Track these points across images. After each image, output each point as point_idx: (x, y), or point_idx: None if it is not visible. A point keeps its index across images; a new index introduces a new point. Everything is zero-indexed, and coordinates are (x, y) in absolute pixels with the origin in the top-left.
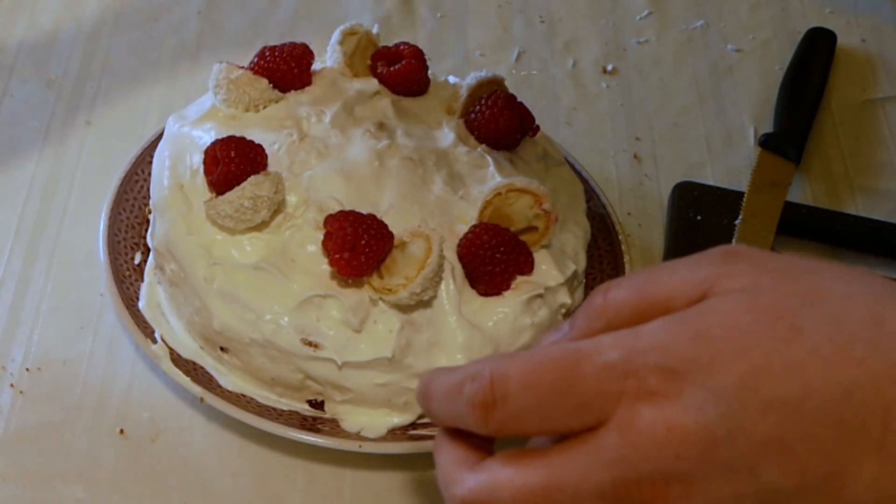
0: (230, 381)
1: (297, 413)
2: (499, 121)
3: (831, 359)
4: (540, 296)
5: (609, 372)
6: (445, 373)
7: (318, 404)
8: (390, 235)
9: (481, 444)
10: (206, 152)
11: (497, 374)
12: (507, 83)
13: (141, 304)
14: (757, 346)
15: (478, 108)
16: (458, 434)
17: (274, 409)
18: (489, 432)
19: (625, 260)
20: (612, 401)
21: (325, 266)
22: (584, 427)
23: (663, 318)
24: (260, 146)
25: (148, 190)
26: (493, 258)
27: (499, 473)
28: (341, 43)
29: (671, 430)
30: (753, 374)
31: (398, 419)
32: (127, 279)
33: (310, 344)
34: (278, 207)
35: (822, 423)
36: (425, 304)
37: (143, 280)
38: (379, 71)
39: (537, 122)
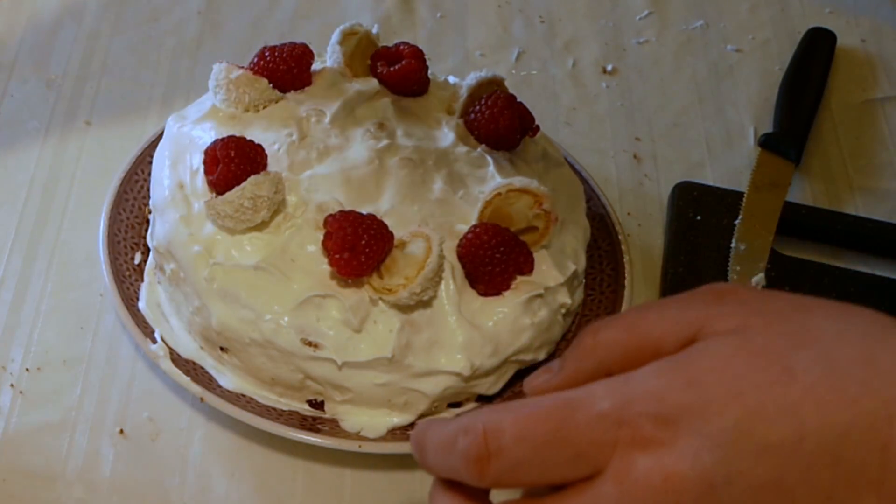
0: (230, 380)
1: (297, 413)
2: (499, 121)
3: (825, 399)
4: (540, 296)
5: (603, 421)
6: (439, 425)
7: (318, 404)
8: (390, 235)
9: (477, 495)
10: (206, 152)
11: (490, 427)
12: (507, 83)
13: (141, 304)
14: (750, 390)
15: (478, 108)
16: (454, 485)
17: (274, 409)
18: (485, 485)
19: (624, 260)
20: (606, 450)
21: (325, 266)
22: (579, 477)
23: (655, 364)
24: (260, 146)
25: (148, 190)
26: (493, 258)
27: None
28: (341, 43)
29: (668, 478)
30: (748, 417)
31: (398, 419)
32: (127, 279)
33: (310, 344)
34: (278, 207)
35: (820, 465)
36: (425, 304)
37: (143, 280)
38: (379, 71)
39: (537, 122)
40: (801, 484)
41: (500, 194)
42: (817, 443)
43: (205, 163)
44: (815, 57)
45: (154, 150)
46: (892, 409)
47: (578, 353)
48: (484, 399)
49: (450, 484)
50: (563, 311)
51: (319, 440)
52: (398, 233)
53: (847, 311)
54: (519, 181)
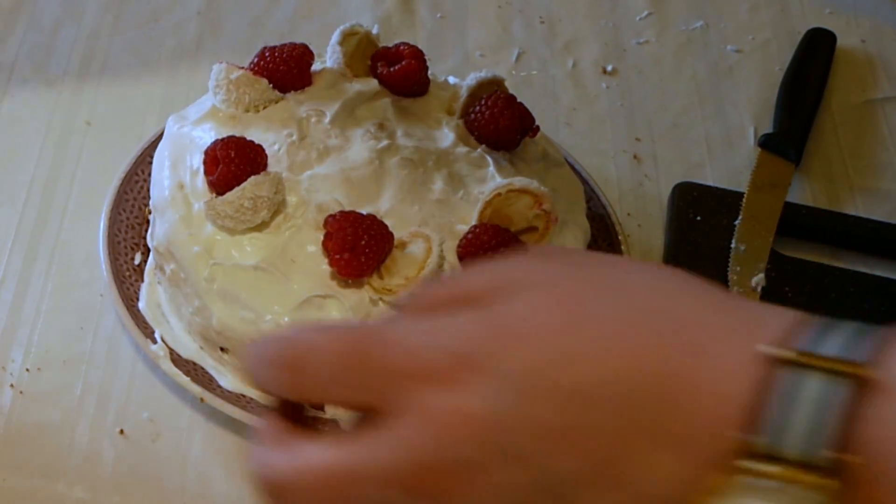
0: (230, 381)
1: None
2: (499, 121)
3: (622, 347)
4: None
5: (406, 356)
6: (269, 338)
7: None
8: (390, 236)
9: (300, 425)
10: (206, 152)
11: (303, 338)
12: (507, 83)
13: (141, 304)
14: (548, 335)
15: (478, 108)
16: (280, 410)
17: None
18: (294, 396)
19: None
20: (404, 382)
21: (325, 266)
22: (381, 404)
23: (463, 311)
24: (260, 146)
25: (148, 190)
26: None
27: (304, 452)
28: (341, 43)
29: (460, 415)
30: (543, 361)
31: None
32: (127, 279)
33: None
34: (278, 208)
35: (613, 413)
36: None
37: (143, 280)
38: (379, 71)
39: (537, 123)
40: (587, 430)
41: (500, 195)
42: (612, 390)
43: (205, 163)
44: (815, 57)
45: (154, 150)
46: (687, 360)
47: (407, 302)
48: None
49: (276, 409)
50: None
51: None
52: (398, 233)
53: (650, 266)
54: (519, 181)
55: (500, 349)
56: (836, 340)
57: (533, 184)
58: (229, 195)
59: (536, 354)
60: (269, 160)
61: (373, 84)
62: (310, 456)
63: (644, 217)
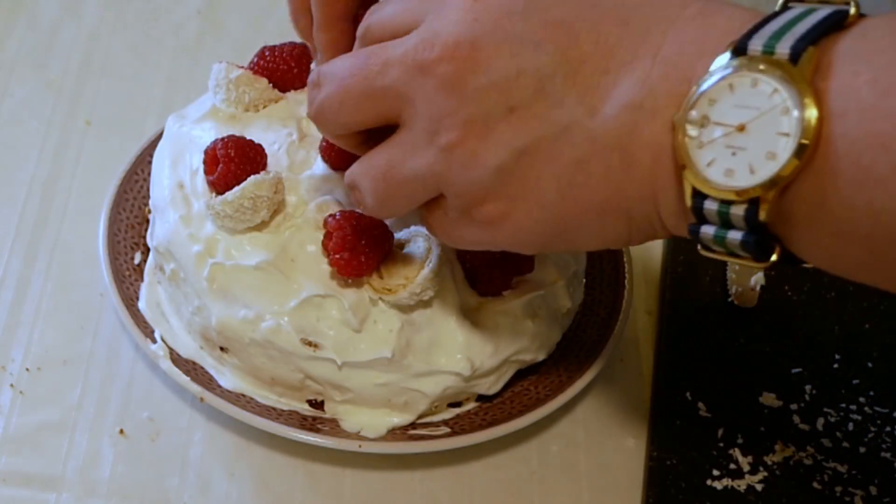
0: (230, 380)
1: (296, 413)
2: None
3: None
4: (540, 296)
5: None
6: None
7: (317, 404)
8: (390, 235)
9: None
10: (206, 152)
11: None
12: None
13: (141, 304)
14: None
15: None
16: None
17: (274, 408)
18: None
19: (624, 259)
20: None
21: (325, 266)
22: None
23: None
24: (260, 146)
25: (148, 190)
26: (493, 258)
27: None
28: None
29: (478, 1)
30: None
31: (398, 419)
32: (127, 279)
33: (310, 344)
34: (278, 207)
35: (611, 21)
36: (425, 304)
37: (143, 280)
38: None
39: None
40: (589, 31)
41: None
42: (614, 2)
43: (205, 163)
44: None
45: (154, 150)
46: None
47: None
48: (484, 399)
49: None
50: (563, 311)
51: (319, 440)
52: (398, 233)
53: None
54: None
55: None
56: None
57: None
58: (229, 195)
59: None
60: (269, 160)
61: None
62: (351, 52)
63: None
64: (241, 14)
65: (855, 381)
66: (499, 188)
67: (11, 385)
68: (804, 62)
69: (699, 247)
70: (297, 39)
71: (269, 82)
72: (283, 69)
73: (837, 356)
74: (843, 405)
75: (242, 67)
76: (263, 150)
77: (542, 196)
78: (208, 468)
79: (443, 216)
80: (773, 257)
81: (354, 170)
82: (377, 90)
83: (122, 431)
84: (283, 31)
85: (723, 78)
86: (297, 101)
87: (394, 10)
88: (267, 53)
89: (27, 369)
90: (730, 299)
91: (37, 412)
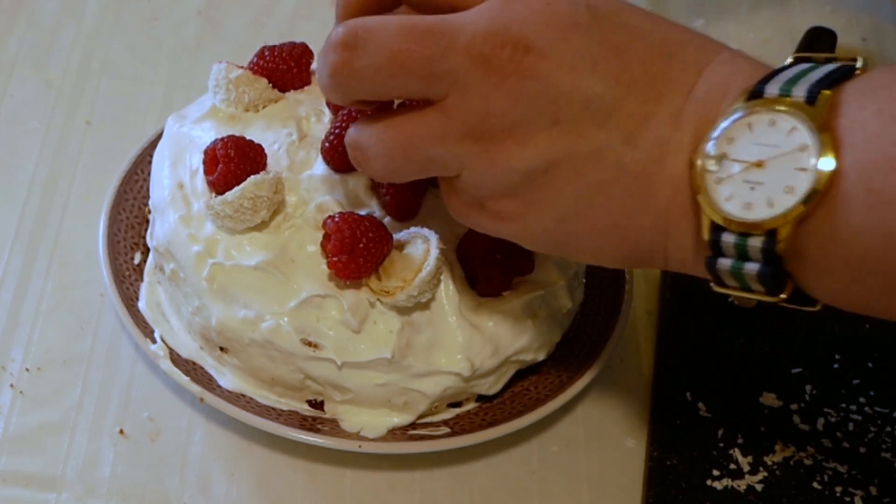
0: (230, 380)
1: (296, 413)
2: None
3: (665, 27)
4: (540, 296)
5: None
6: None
7: (318, 404)
8: (389, 237)
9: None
10: (206, 152)
11: (360, 25)
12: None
13: (141, 304)
14: None
15: None
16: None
17: (274, 409)
18: (343, 80)
19: None
20: None
21: (324, 266)
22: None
23: None
24: (260, 146)
25: (148, 190)
26: (492, 259)
27: (388, 17)
28: None
29: (549, 4)
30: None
31: (398, 419)
32: (127, 279)
33: (309, 344)
34: (278, 207)
35: (659, 53)
36: (425, 304)
37: (143, 280)
38: None
39: None
40: (639, 62)
41: None
42: (663, 38)
43: (204, 163)
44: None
45: (154, 150)
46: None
47: None
48: (484, 399)
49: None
50: (564, 311)
51: (319, 440)
52: (397, 234)
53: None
54: None
55: None
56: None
57: None
58: (229, 195)
59: None
60: (269, 160)
61: None
62: (395, 17)
63: None
64: (241, 14)
65: (855, 381)
66: (519, 190)
67: (11, 385)
68: (820, 103)
69: (712, 282)
70: (297, 39)
71: (269, 82)
72: (282, 69)
73: (837, 356)
74: (843, 405)
75: (242, 67)
76: (263, 150)
77: (558, 208)
78: (208, 468)
79: (452, 192)
80: (784, 294)
81: (364, 131)
82: (435, 72)
83: (122, 431)
84: (283, 31)
85: (741, 117)
86: (297, 101)
87: None
88: (267, 53)
89: (27, 369)
90: (730, 299)
91: (37, 412)
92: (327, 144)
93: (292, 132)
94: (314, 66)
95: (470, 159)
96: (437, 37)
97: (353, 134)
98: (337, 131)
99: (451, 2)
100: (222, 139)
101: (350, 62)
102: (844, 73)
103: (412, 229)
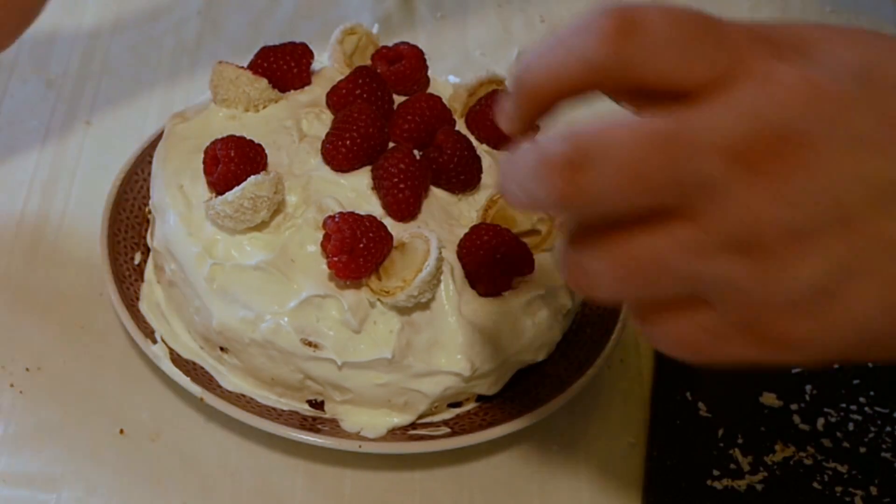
0: (230, 381)
1: (297, 413)
2: None
3: None
4: (540, 296)
5: (748, 33)
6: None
7: (318, 404)
8: (389, 237)
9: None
10: (206, 152)
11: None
12: (507, 83)
13: (141, 304)
14: (870, 45)
15: (478, 107)
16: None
17: (274, 409)
18: (567, 197)
19: None
20: (745, 56)
21: (324, 266)
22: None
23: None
24: (260, 146)
25: (148, 190)
26: (493, 259)
27: (612, 124)
28: (341, 42)
29: (808, 83)
30: (876, 60)
31: (398, 419)
32: (127, 279)
33: (310, 344)
34: (278, 207)
35: None
36: (425, 304)
37: (143, 280)
38: (379, 71)
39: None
40: None
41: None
42: None
43: (204, 163)
44: None
45: (154, 150)
46: None
47: None
48: (484, 399)
49: None
50: (564, 311)
51: (319, 440)
52: (397, 234)
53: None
54: None
55: (832, 41)
56: None
57: None
58: (229, 195)
59: (868, 53)
60: (269, 160)
61: None
62: (623, 123)
63: None
64: (241, 14)
65: (855, 381)
66: (806, 306)
67: (11, 385)
68: None
69: None
70: (297, 40)
71: (269, 82)
72: (283, 69)
73: None
74: (844, 405)
75: (242, 67)
76: (263, 150)
77: (860, 316)
78: (208, 468)
79: (692, 325)
80: None
81: (587, 254)
82: (682, 181)
83: (122, 431)
84: (283, 31)
85: None
86: (298, 101)
87: (676, 54)
88: (267, 53)
89: (27, 369)
90: None
91: (37, 412)
92: (328, 144)
93: (292, 132)
94: (314, 66)
95: (739, 275)
96: (683, 141)
97: (573, 255)
98: (337, 132)
99: (674, 84)
100: (222, 139)
101: (580, 184)
102: None
103: (412, 229)
